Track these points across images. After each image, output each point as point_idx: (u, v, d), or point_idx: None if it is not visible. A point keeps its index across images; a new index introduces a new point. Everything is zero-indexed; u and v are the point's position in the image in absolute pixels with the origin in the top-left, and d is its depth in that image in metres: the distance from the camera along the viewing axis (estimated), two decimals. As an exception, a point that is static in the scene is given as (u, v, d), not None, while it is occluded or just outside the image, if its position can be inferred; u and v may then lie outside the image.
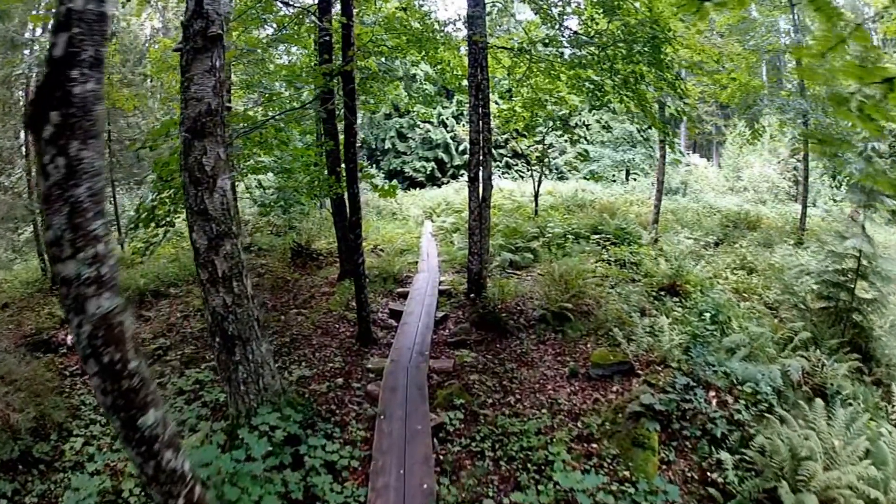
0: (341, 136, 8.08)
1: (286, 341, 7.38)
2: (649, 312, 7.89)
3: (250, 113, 8.61)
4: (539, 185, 15.82)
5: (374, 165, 28.75)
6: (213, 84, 4.21)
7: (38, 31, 12.21)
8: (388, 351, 6.83)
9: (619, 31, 6.35)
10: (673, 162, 12.08)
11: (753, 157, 24.45)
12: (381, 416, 5.04)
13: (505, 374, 6.17)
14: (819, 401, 5.24)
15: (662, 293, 8.34)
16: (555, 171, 26.53)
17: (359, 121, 27.40)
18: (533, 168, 17.22)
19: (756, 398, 5.48)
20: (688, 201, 21.25)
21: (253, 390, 4.78)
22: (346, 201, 7.46)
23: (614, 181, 24.82)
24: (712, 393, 5.73)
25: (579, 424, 5.23)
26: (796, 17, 14.16)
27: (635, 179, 25.67)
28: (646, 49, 5.93)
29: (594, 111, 8.38)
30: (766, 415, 5.23)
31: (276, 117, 6.56)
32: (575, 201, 17.64)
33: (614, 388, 5.91)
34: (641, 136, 24.87)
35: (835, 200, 21.11)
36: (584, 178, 22.42)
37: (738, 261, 11.40)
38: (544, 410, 5.43)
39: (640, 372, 6.09)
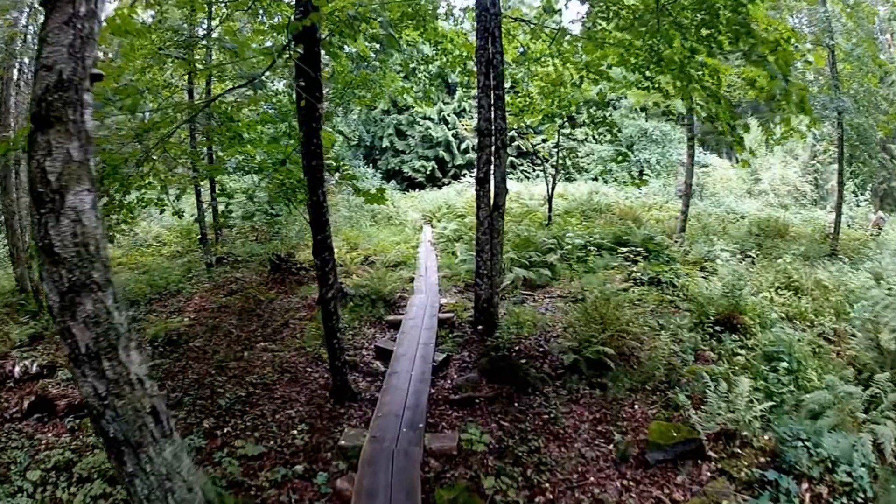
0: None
1: (242, 395, 5.71)
2: (705, 356, 6.25)
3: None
4: (553, 188, 14.14)
5: (370, 165, 27.09)
6: (72, 40, 2.53)
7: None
8: (370, 411, 5.17)
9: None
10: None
11: (772, 158, 22.93)
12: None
13: (529, 456, 4.50)
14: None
15: (718, 328, 6.67)
16: (563, 171, 24.83)
17: (353, 115, 25.83)
18: (545, 169, 15.53)
19: (850, 486, 4.13)
20: (706, 205, 19.64)
21: (158, 511, 3.14)
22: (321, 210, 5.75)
23: (626, 183, 23.19)
24: (805, 485, 4.27)
25: (642, 550, 3.60)
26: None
27: (646, 181, 24.08)
28: (728, 5, 4.28)
29: (641, 90, 6.66)
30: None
31: (219, 98, 4.86)
32: (591, 206, 15.95)
33: (679, 480, 4.27)
34: (659, 134, 23.22)
35: (857, 205, 19.63)
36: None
37: (781, 278, 9.77)
38: (589, 524, 3.79)
39: (711, 454, 4.47)
